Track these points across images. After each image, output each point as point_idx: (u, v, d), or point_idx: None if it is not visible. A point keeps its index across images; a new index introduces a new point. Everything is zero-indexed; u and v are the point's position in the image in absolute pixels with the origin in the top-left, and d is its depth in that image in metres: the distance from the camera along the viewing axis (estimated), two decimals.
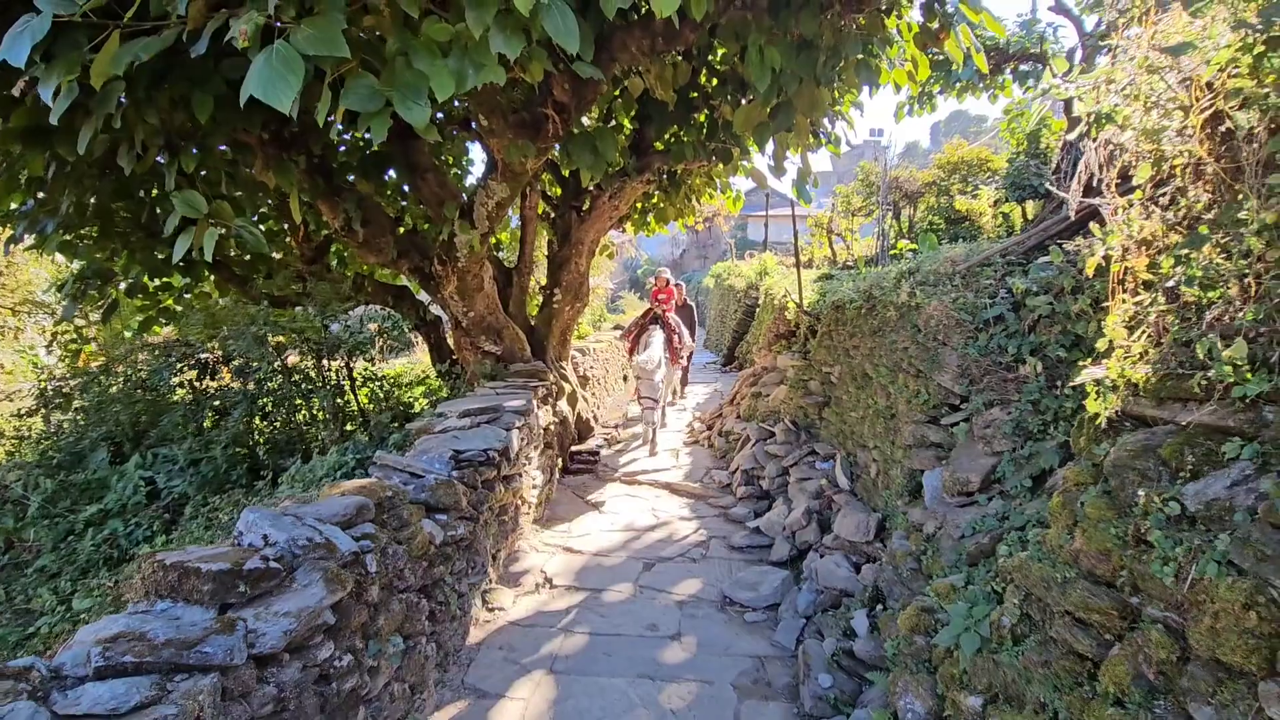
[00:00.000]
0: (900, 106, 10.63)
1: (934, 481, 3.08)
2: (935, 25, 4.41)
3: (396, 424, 6.85)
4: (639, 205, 8.67)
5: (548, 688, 2.91)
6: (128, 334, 7.67)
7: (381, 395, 7.39)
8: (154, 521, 5.64)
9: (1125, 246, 1.77)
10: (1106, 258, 1.84)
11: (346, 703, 2.27)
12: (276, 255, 7.34)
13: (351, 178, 6.23)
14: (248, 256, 7.11)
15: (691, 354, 9.33)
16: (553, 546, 4.60)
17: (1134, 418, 1.70)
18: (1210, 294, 1.51)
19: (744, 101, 5.33)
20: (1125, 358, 1.70)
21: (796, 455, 5.12)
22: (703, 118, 6.24)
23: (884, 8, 3.95)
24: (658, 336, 7.50)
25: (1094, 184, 2.17)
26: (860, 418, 4.43)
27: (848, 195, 14.57)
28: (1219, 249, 1.48)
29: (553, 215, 8.00)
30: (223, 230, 3.71)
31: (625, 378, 12.34)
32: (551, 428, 6.33)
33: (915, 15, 4.43)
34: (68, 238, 5.72)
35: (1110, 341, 1.79)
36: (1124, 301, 1.76)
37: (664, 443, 7.65)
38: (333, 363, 7.07)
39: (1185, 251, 1.53)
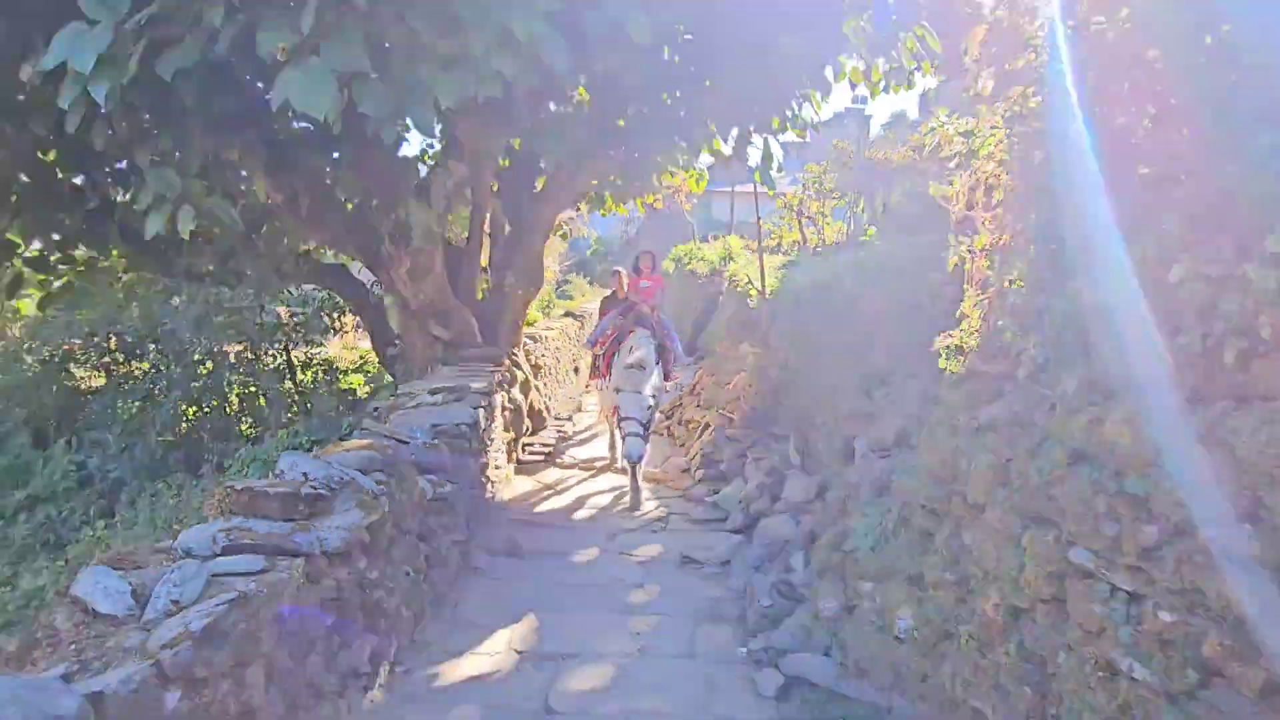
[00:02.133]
0: (875, 84, 12.00)
1: (862, 444, 4.29)
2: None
3: (340, 409, 7.76)
4: (595, 182, 9.64)
5: (530, 621, 3.98)
6: (28, 312, 8.25)
7: (323, 380, 8.25)
8: (89, 507, 6.40)
9: (972, 251, 2.96)
10: (961, 259, 3.03)
11: (375, 610, 3.29)
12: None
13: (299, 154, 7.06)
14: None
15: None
16: (519, 521, 5.65)
17: (972, 371, 2.89)
18: (1012, 287, 2.69)
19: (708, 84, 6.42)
20: (967, 331, 2.89)
21: (753, 438, 6.32)
22: (666, 98, 7.24)
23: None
24: (645, 339, 6.23)
25: (969, 201, 3.39)
26: (811, 400, 5.64)
27: (820, 175, 15.97)
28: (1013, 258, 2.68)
29: (502, 192, 8.89)
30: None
31: (576, 369, 13.38)
32: (507, 414, 7.35)
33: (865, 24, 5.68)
34: None
35: (964, 319, 2.98)
36: (970, 292, 2.95)
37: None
38: (272, 348, 7.89)
39: (996, 259, 2.71)
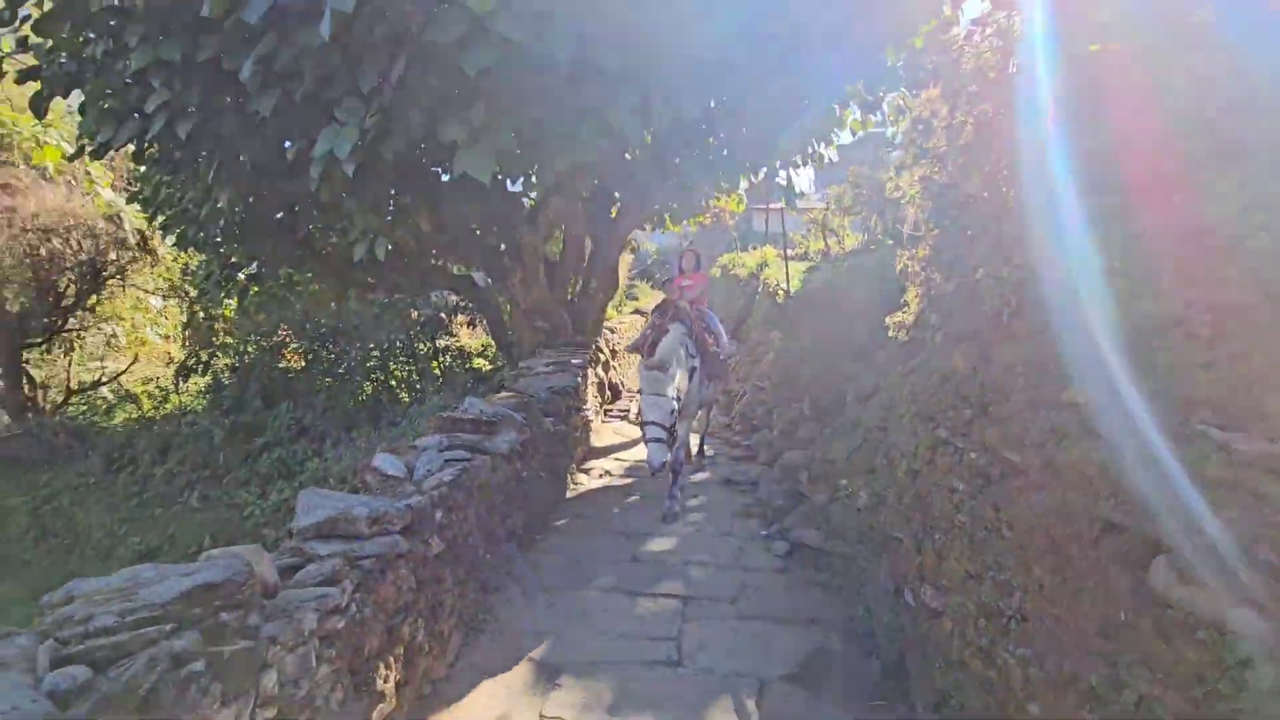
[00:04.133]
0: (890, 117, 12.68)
1: (849, 396, 5.23)
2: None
3: (471, 383, 9.08)
4: (657, 207, 10.74)
5: (619, 511, 5.11)
6: (248, 316, 9.84)
7: (458, 362, 9.61)
8: (306, 449, 7.88)
9: (912, 259, 3.87)
10: (905, 265, 3.94)
11: (524, 497, 4.46)
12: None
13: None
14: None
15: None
16: (607, 458, 6.80)
17: (910, 339, 3.82)
18: (933, 283, 3.62)
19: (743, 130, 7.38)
20: (908, 312, 3.81)
21: (778, 399, 7.29)
22: (711, 140, 8.23)
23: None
24: (675, 336, 5.09)
25: (913, 224, 4.30)
26: (820, 369, 6.56)
27: (840, 194, 16.62)
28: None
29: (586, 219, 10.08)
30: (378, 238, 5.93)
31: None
32: (595, 384, 8.52)
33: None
34: (217, 239, 7.81)
35: (906, 305, 3.90)
36: (910, 287, 3.87)
37: None
38: (423, 337, 9.28)
39: (925, 265, 3.64)
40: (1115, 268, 2.01)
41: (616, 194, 9.42)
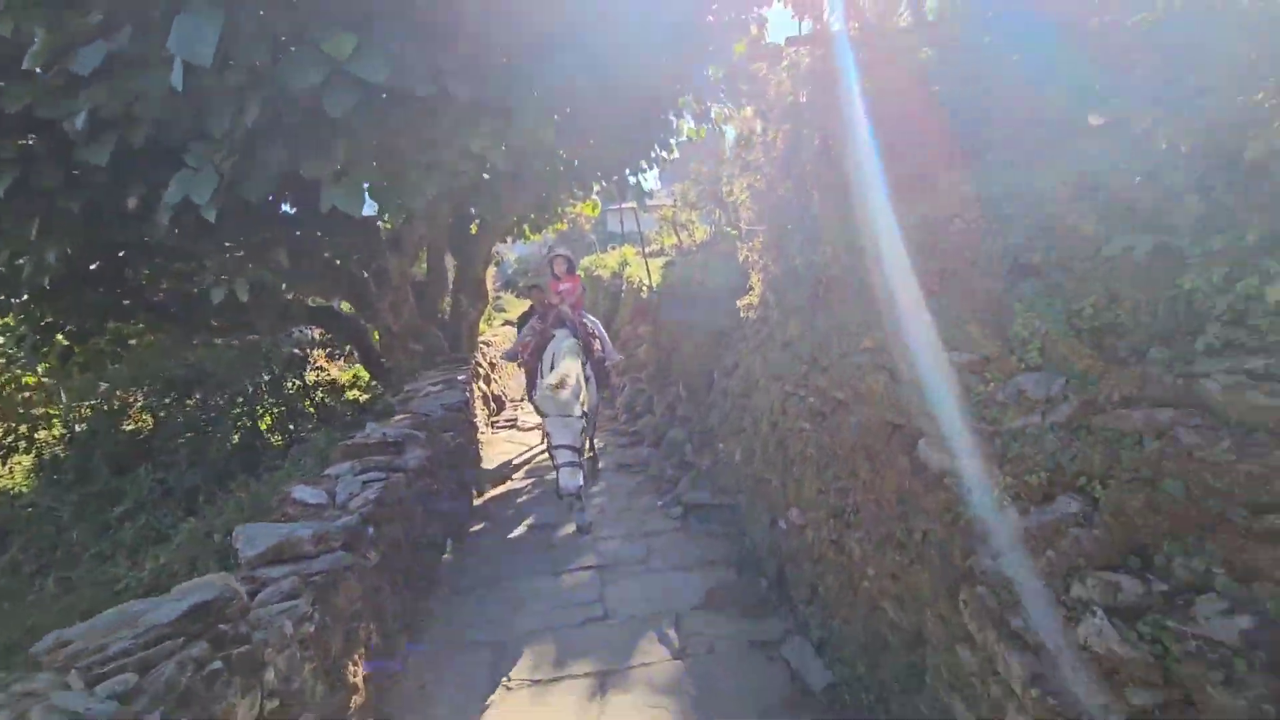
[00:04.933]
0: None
1: (716, 375, 6.03)
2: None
3: (351, 414, 8.96)
4: (516, 219, 11.14)
5: (527, 508, 5.53)
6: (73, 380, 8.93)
7: (332, 396, 9.38)
8: (176, 509, 7.40)
9: (751, 250, 4.69)
10: (746, 256, 4.75)
11: (441, 501, 4.75)
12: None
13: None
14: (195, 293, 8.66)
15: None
16: (503, 462, 7.14)
17: (758, 317, 4.63)
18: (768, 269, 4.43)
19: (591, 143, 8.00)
20: (752, 295, 4.61)
21: (656, 387, 8.01)
22: (563, 152, 8.79)
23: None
24: (568, 344, 5.11)
25: (749, 220, 5.13)
26: (689, 355, 7.36)
27: (685, 191, 17.91)
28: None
29: (450, 238, 10.27)
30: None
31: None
32: (481, 398, 8.76)
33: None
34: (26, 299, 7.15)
35: (751, 289, 4.71)
36: (753, 274, 4.68)
37: None
38: (291, 376, 8.98)
39: (761, 255, 4.45)
40: (884, 249, 2.83)
41: (473, 210, 9.69)
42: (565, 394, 4.39)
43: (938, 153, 2.97)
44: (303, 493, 3.72)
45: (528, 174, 8.34)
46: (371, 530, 3.50)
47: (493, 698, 3.08)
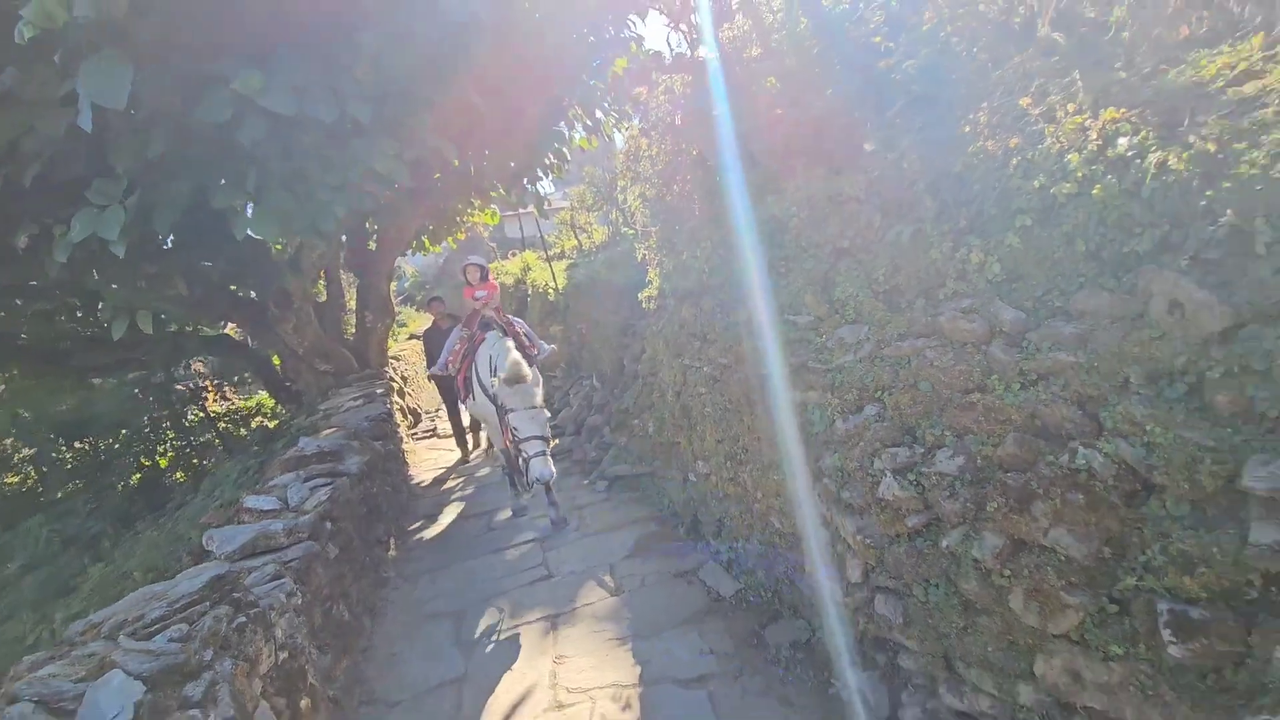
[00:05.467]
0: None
1: (627, 361, 6.73)
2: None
3: (261, 440, 8.93)
4: (416, 231, 11.30)
5: (463, 501, 5.99)
6: None
7: (236, 425, 9.27)
8: (82, 557, 7.20)
9: (646, 250, 5.41)
10: (643, 255, 5.47)
11: (380, 509, 5.13)
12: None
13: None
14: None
15: None
16: (429, 469, 7.50)
17: (657, 306, 5.36)
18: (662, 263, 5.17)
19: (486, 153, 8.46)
20: (651, 288, 5.34)
21: (571, 382, 8.60)
22: (456, 163, 9.14)
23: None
24: (506, 343, 4.99)
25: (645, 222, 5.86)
26: (599, 348, 8.01)
27: (581, 195, 18.53)
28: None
29: (349, 255, 10.35)
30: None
31: (430, 378, 14.87)
32: (399, 408, 9.00)
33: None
34: None
35: (650, 282, 5.44)
36: (650, 269, 5.40)
37: None
38: (191, 409, 8.81)
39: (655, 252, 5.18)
40: (746, 243, 3.61)
41: (368, 225, 9.84)
42: (530, 386, 4.51)
43: (782, 162, 3.79)
44: (255, 501, 4.04)
45: (428, 188, 8.70)
46: (329, 526, 3.90)
47: (457, 653, 3.60)
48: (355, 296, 10.56)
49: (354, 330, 10.39)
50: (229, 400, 9.72)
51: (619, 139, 10.27)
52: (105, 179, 4.78)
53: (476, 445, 7.94)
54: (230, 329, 10.48)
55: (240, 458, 8.06)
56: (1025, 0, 2.66)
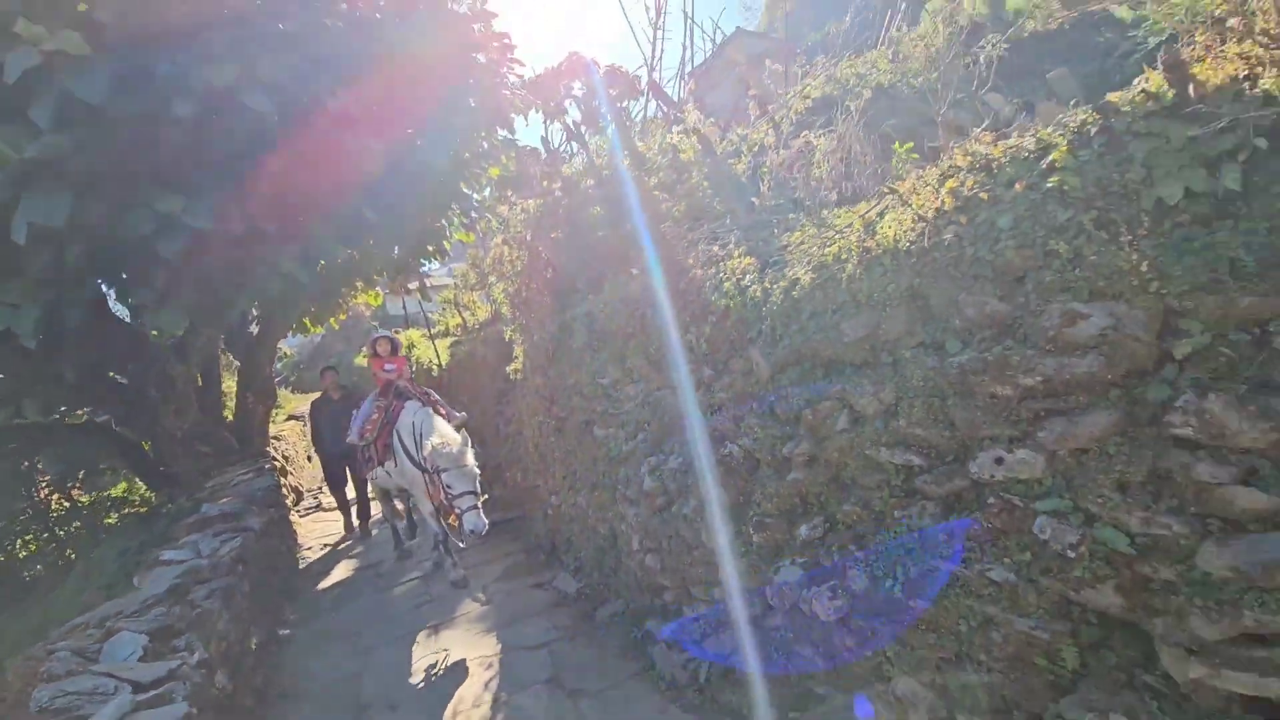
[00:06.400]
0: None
1: (499, 424, 7.94)
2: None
3: (138, 525, 9.16)
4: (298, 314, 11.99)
5: (351, 558, 6.83)
6: None
7: (109, 512, 9.39)
8: None
9: (513, 331, 6.77)
10: (511, 335, 6.83)
11: (279, 560, 5.93)
12: None
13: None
14: None
15: None
16: (317, 538, 8.19)
17: (522, 379, 6.69)
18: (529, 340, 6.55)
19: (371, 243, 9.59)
20: (515, 366, 6.67)
21: None
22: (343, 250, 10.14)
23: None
24: (426, 411, 5.66)
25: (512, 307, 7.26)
26: (480, 415, 9.17)
27: (464, 273, 19.81)
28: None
29: (232, 340, 10.92)
30: None
31: (310, 458, 15.08)
32: (284, 485, 9.56)
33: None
34: None
35: (517, 355, 6.78)
36: (516, 348, 6.76)
37: None
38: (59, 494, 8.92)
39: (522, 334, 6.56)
40: (578, 328, 5.08)
41: (254, 312, 10.57)
42: (464, 447, 5.05)
43: (604, 268, 5.36)
44: (171, 554, 4.83)
45: (318, 279, 9.66)
46: (241, 568, 4.78)
47: (356, 657, 4.55)
48: (236, 379, 11.07)
49: (234, 412, 10.81)
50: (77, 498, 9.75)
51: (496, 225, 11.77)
52: (19, 280, 5.53)
53: (361, 518, 8.18)
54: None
55: (114, 540, 8.33)
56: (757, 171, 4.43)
